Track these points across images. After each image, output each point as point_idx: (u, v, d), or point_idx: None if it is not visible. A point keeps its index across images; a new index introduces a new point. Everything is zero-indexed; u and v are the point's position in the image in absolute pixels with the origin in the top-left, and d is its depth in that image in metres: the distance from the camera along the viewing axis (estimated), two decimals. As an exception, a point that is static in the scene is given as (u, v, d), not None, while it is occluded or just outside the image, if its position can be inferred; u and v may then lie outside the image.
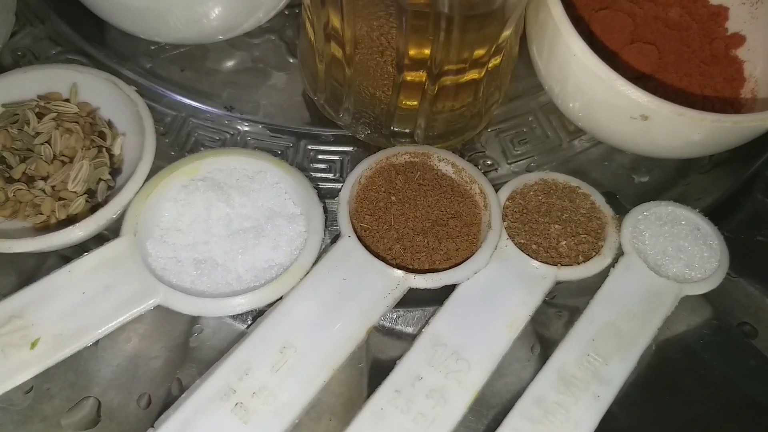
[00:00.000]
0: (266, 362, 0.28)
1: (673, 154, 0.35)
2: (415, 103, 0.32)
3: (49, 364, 0.28)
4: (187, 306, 0.30)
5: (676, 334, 0.33)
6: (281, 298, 0.30)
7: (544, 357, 0.31)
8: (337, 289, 0.30)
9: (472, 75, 0.31)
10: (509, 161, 0.38)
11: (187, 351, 0.32)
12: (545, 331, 0.33)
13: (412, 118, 0.33)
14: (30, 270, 0.33)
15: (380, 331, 0.32)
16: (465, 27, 0.27)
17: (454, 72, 0.30)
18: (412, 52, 0.29)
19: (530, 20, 0.34)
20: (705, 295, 0.33)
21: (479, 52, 0.29)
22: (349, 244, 0.31)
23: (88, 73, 0.35)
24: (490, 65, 0.32)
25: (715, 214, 0.36)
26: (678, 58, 0.37)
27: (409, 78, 0.31)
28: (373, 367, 0.32)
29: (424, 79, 0.31)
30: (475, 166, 0.37)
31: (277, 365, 0.28)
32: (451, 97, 0.32)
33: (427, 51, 0.28)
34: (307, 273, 0.31)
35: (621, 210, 0.35)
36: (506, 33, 0.30)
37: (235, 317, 0.32)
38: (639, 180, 0.37)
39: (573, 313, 0.33)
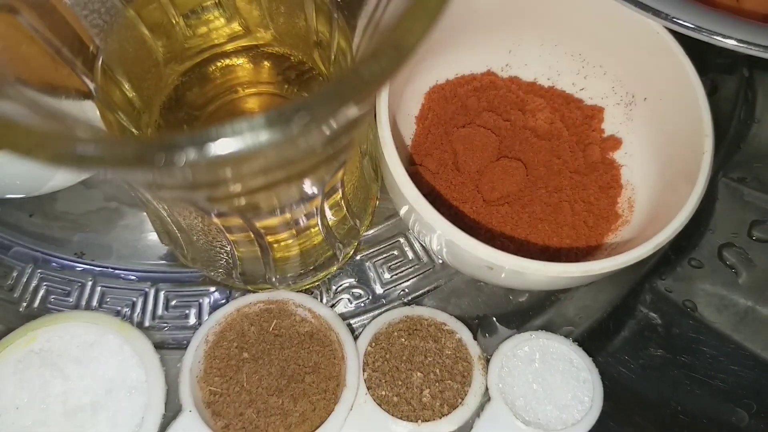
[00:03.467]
0: None
1: (539, 289, 0.33)
2: (255, 253, 0.30)
3: None
4: None
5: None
6: (114, 490, 0.28)
7: None
8: (174, 477, 0.28)
9: (308, 223, 0.29)
10: (380, 290, 0.36)
11: None
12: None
13: (258, 265, 0.32)
14: None
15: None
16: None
17: (279, 232, 0.28)
18: (222, 224, 0.27)
19: (378, 153, 0.32)
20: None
21: (298, 213, 0.27)
22: (188, 422, 0.29)
23: None
24: (327, 205, 0.30)
25: (595, 335, 0.34)
26: (548, 171, 0.35)
27: (235, 238, 0.29)
28: None
29: (251, 236, 0.29)
30: (346, 298, 0.35)
31: None
32: (291, 244, 0.30)
33: (237, 221, 0.26)
34: (143, 459, 0.29)
35: (496, 336, 0.33)
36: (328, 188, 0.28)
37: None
38: (516, 300, 0.35)
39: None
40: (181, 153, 0.15)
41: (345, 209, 0.32)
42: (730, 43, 0.31)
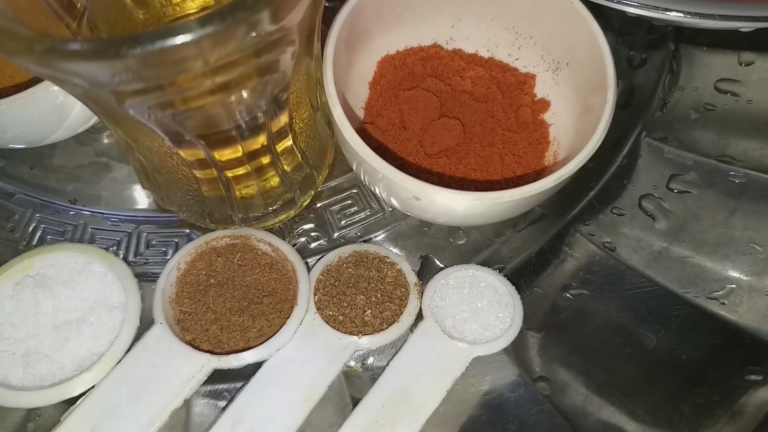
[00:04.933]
0: (70, 451, 0.31)
1: (465, 223, 0.38)
2: (220, 192, 0.35)
3: None
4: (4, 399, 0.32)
5: (481, 391, 0.36)
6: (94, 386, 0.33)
7: (350, 422, 0.34)
8: (145, 375, 0.33)
9: (261, 161, 0.34)
10: (335, 233, 0.40)
11: (25, 437, 0.35)
12: (360, 396, 0.36)
13: (224, 205, 0.36)
14: None
15: (198, 407, 0.35)
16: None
17: (236, 166, 0.33)
18: (187, 157, 0.32)
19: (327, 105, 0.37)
20: (511, 352, 0.36)
21: (252, 147, 0.32)
22: (159, 331, 0.34)
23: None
24: (279, 149, 0.34)
25: (524, 272, 0.39)
26: (483, 129, 0.40)
27: (201, 175, 0.34)
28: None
29: (214, 174, 0.33)
30: (305, 239, 0.40)
31: (79, 453, 0.31)
32: (250, 183, 0.35)
33: (199, 154, 0.31)
34: (119, 361, 0.33)
35: (436, 272, 0.38)
36: (280, 123, 0.32)
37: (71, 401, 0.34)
38: (456, 243, 0.40)
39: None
40: (137, 44, 0.20)
41: (300, 157, 0.37)
42: (673, 14, 0.36)
